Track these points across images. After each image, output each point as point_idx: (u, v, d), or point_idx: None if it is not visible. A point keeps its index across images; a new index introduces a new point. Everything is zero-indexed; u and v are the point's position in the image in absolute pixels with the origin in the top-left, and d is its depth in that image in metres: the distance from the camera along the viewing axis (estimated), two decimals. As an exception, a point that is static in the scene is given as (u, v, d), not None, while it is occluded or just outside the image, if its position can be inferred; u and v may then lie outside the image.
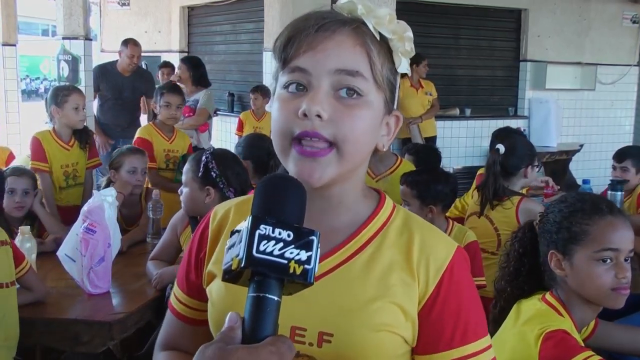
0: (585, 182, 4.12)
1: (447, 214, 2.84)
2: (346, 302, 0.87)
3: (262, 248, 0.66)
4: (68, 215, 3.20)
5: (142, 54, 5.63)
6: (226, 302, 0.90)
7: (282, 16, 6.20)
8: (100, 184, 3.65)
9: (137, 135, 3.99)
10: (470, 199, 3.21)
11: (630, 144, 7.07)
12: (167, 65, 6.80)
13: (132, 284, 2.59)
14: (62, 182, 3.60)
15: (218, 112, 6.55)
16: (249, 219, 0.68)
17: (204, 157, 2.47)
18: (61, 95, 3.51)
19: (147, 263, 2.67)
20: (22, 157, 4.73)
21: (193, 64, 5.45)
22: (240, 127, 5.90)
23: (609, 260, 1.51)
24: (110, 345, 2.27)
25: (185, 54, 8.03)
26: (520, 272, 1.69)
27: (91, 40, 5.66)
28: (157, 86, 5.98)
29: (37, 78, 22.19)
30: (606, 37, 8.16)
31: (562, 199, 1.66)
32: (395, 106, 0.94)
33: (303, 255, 0.67)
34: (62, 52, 5.43)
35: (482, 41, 7.65)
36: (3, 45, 7.71)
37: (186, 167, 2.53)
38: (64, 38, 5.40)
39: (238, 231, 0.69)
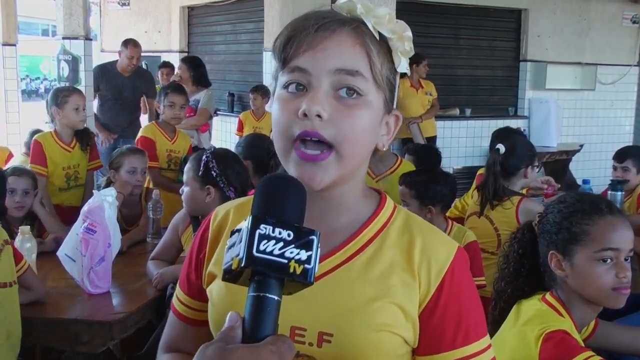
0: (585, 182, 4.12)
1: (447, 214, 2.84)
2: (346, 302, 0.87)
3: (262, 248, 0.66)
4: (68, 216, 3.20)
5: (142, 54, 5.62)
6: (226, 302, 0.90)
7: (282, 16, 6.20)
8: (100, 184, 3.66)
9: (140, 134, 3.98)
10: (470, 199, 3.21)
11: (630, 144, 7.07)
12: (167, 65, 6.80)
13: (132, 283, 2.59)
14: (63, 183, 3.60)
15: (218, 112, 6.55)
16: (249, 218, 0.68)
17: (204, 157, 2.48)
18: (61, 96, 3.52)
19: (147, 263, 2.67)
20: (18, 157, 4.73)
21: (193, 64, 5.45)
22: (240, 127, 5.91)
23: (609, 260, 1.51)
24: (111, 345, 2.28)
25: (185, 54, 8.03)
26: (520, 272, 1.69)
27: (91, 40, 5.66)
28: (157, 86, 6.02)
29: (37, 78, 22.19)
30: (606, 37, 8.16)
31: (561, 200, 1.66)
32: (394, 106, 0.94)
33: (303, 254, 0.67)
34: (62, 52, 5.43)
35: (482, 41, 7.66)
36: (3, 45, 7.72)
37: (187, 167, 2.54)
38: (64, 38, 5.40)
39: (238, 231, 0.69)
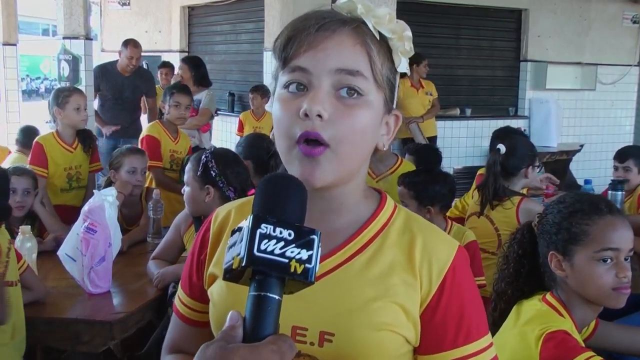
0: (587, 182, 4.11)
1: (448, 214, 2.84)
2: (347, 302, 0.87)
3: (263, 247, 0.66)
4: (69, 215, 3.20)
5: (143, 54, 5.62)
6: (227, 302, 0.91)
7: (283, 16, 6.21)
8: (100, 184, 3.66)
9: (145, 132, 3.98)
10: (470, 199, 3.21)
11: (631, 144, 7.07)
12: (167, 65, 6.80)
13: (133, 283, 2.59)
14: (64, 184, 3.60)
15: (218, 112, 6.55)
16: (250, 217, 0.68)
17: (203, 157, 2.48)
18: (62, 96, 3.53)
19: (148, 262, 2.67)
20: (14, 156, 4.73)
21: (194, 64, 5.45)
22: (241, 127, 5.92)
23: (609, 260, 1.51)
24: (111, 344, 2.27)
25: (186, 54, 8.03)
26: (520, 273, 1.69)
27: (91, 40, 5.67)
28: (157, 86, 6.02)
29: (38, 78, 22.20)
30: (606, 37, 8.16)
31: (560, 200, 1.65)
32: (394, 105, 0.94)
33: (304, 254, 0.67)
34: (62, 52, 5.43)
35: (483, 41, 7.66)
36: (3, 44, 7.72)
37: (187, 167, 2.54)
38: (64, 38, 5.40)
39: (239, 230, 0.69)
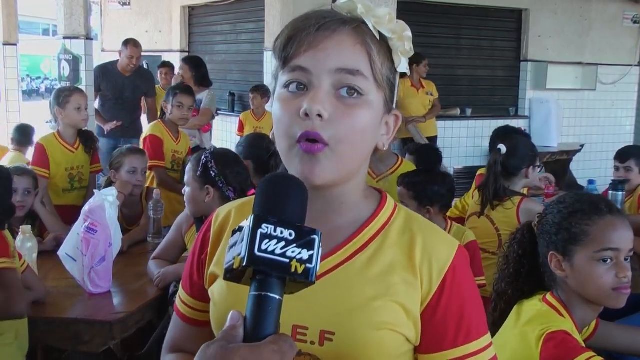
0: (591, 182, 4.09)
1: (448, 214, 2.84)
2: (347, 301, 0.87)
3: (264, 247, 0.66)
4: (71, 215, 3.21)
5: (143, 54, 5.62)
6: (228, 302, 0.91)
7: (283, 16, 6.21)
8: (100, 184, 3.66)
9: (149, 132, 3.98)
10: (470, 199, 3.21)
11: (631, 144, 7.08)
12: (166, 65, 6.79)
13: (133, 283, 2.59)
14: (66, 184, 3.60)
15: (219, 112, 6.56)
16: (251, 218, 0.68)
17: (203, 157, 2.48)
18: (63, 96, 3.53)
19: (148, 262, 2.67)
20: (11, 155, 4.74)
21: (195, 64, 5.46)
22: (241, 127, 5.92)
23: (609, 260, 1.51)
24: (111, 344, 2.28)
25: (186, 54, 8.03)
26: (520, 273, 1.69)
27: (92, 39, 5.67)
28: (157, 86, 6.02)
29: (38, 78, 22.20)
30: (607, 38, 8.16)
31: (560, 200, 1.65)
32: (394, 105, 0.94)
33: (305, 254, 0.68)
34: (62, 52, 5.44)
35: (483, 41, 7.66)
36: (4, 44, 7.73)
37: (188, 167, 2.54)
38: (64, 37, 5.41)
39: (240, 230, 0.69)
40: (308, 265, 0.67)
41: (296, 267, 0.67)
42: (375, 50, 0.87)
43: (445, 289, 0.89)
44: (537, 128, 7.66)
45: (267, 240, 0.67)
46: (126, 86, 5.44)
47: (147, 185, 3.56)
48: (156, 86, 5.98)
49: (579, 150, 7.64)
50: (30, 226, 2.61)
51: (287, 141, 0.87)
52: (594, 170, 7.71)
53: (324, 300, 0.87)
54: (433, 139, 6.51)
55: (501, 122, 6.58)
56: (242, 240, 0.67)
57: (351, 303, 0.87)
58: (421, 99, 6.37)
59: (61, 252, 2.41)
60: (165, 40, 8.61)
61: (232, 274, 0.69)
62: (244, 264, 0.66)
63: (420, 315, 0.89)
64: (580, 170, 7.58)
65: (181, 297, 1.05)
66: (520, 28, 7.79)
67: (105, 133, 5.31)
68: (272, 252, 0.66)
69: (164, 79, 6.50)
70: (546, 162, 6.69)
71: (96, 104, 5.48)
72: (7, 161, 4.53)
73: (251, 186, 2.55)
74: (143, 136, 4.09)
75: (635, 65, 8.46)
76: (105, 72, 5.47)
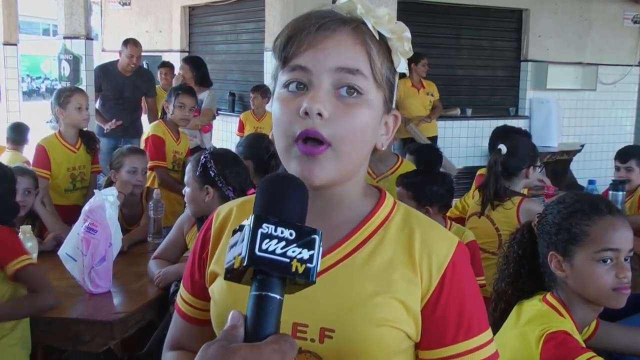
0: (591, 182, 4.09)
1: (448, 214, 2.84)
2: (347, 298, 0.87)
3: (264, 247, 0.66)
4: (73, 215, 3.21)
5: (143, 54, 5.63)
6: (227, 301, 0.91)
7: (283, 16, 6.21)
8: (101, 184, 3.66)
9: (151, 132, 3.98)
10: (470, 200, 3.21)
11: (631, 144, 7.07)
12: (166, 65, 6.79)
13: (133, 283, 2.59)
14: (68, 184, 3.60)
15: (219, 112, 6.56)
16: (252, 217, 0.68)
17: (202, 157, 2.49)
18: (63, 96, 3.54)
19: (149, 262, 2.67)
20: (8, 155, 4.74)
21: (195, 64, 5.46)
22: (241, 127, 5.91)
23: (609, 261, 1.51)
24: (112, 344, 2.28)
25: (186, 54, 8.03)
26: (520, 273, 1.69)
27: (92, 39, 5.68)
28: (157, 86, 6.02)
29: (38, 77, 22.22)
30: (607, 38, 8.16)
31: (560, 200, 1.65)
32: (393, 106, 0.94)
33: (305, 253, 0.68)
34: (63, 52, 5.44)
35: (483, 41, 7.66)
36: (4, 44, 7.73)
37: (188, 167, 2.54)
38: (65, 37, 5.41)
39: (240, 230, 0.69)
40: (308, 265, 0.67)
41: (297, 267, 0.67)
42: (374, 50, 0.88)
43: (445, 285, 0.89)
44: (537, 128, 7.66)
45: (267, 240, 0.67)
46: (126, 86, 5.44)
47: (147, 185, 3.56)
48: (156, 86, 5.98)
49: (579, 150, 7.64)
50: (30, 226, 2.61)
51: (285, 140, 0.87)
52: (594, 170, 7.71)
53: (324, 297, 0.87)
54: (433, 139, 6.51)
55: (501, 122, 6.57)
56: (243, 240, 0.67)
57: (351, 300, 0.87)
58: (421, 99, 6.36)
59: (61, 252, 2.41)
60: (166, 40, 8.61)
61: (233, 274, 0.69)
62: (245, 264, 0.66)
63: (420, 311, 0.89)
64: (581, 170, 7.58)
65: (182, 296, 1.05)
66: (521, 28, 7.79)
67: (105, 132, 5.31)
68: (273, 252, 0.66)
69: (164, 79, 6.50)
70: (546, 162, 6.69)
71: (97, 104, 5.48)
72: (5, 161, 4.52)
73: (251, 186, 2.55)
74: (144, 136, 4.09)
75: (636, 65, 8.46)
76: (106, 72, 5.47)
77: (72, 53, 5.40)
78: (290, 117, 0.86)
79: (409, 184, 2.64)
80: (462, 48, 7.58)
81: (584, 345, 1.47)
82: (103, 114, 5.47)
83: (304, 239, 0.68)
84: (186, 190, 2.51)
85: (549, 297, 1.58)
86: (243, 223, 0.69)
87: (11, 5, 7.75)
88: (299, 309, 0.85)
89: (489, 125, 7.05)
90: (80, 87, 4.92)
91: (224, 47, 8.09)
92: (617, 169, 3.69)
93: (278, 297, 0.67)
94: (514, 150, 2.99)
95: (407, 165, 3.16)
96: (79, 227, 2.37)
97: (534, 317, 1.53)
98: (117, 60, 5.48)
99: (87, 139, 3.68)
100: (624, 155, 3.68)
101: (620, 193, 3.42)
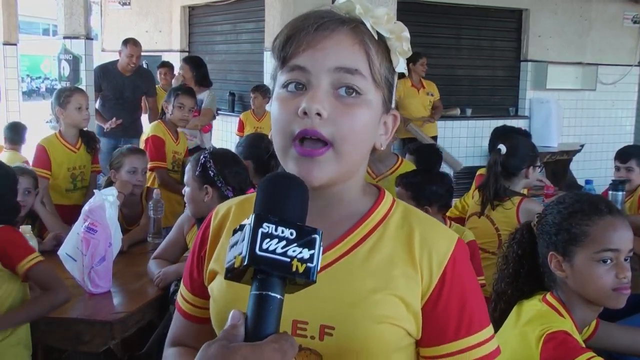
0: (588, 182, 4.10)
1: (448, 214, 2.84)
2: (347, 295, 0.87)
3: (265, 246, 0.66)
4: (70, 215, 3.21)
5: (143, 54, 5.63)
6: (227, 299, 0.91)
7: (283, 16, 6.21)
8: (100, 184, 3.66)
9: (151, 132, 3.98)
10: (470, 200, 3.21)
11: (631, 144, 7.07)
12: (166, 65, 6.79)
13: (133, 283, 2.59)
14: (69, 184, 3.60)
15: (219, 112, 6.56)
16: (252, 217, 0.68)
17: (202, 157, 2.49)
18: (63, 96, 3.54)
19: (149, 262, 2.67)
20: (7, 155, 4.74)
21: (195, 64, 5.46)
22: (241, 127, 5.91)
23: (609, 261, 1.51)
24: (111, 344, 2.28)
25: (186, 54, 8.03)
26: (520, 273, 1.68)
27: (92, 39, 5.68)
28: (157, 86, 6.02)
29: (38, 77, 22.21)
30: (607, 38, 8.16)
31: (559, 200, 1.65)
32: (392, 105, 0.94)
33: (305, 253, 0.68)
34: (63, 52, 5.44)
35: (483, 41, 7.66)
36: (4, 44, 7.73)
37: (187, 167, 2.55)
38: (64, 37, 5.41)
39: (240, 229, 0.70)
40: (309, 264, 0.67)
41: (297, 267, 0.67)
42: (373, 50, 0.88)
43: (445, 281, 0.89)
44: (537, 128, 7.65)
45: (268, 240, 0.67)
46: (126, 86, 5.45)
47: (147, 185, 3.56)
48: (156, 86, 5.98)
49: (579, 151, 7.64)
50: (30, 226, 2.61)
51: (283, 140, 0.87)
52: (594, 170, 7.71)
53: (324, 294, 0.87)
54: (433, 139, 6.50)
55: (501, 122, 6.56)
56: (243, 240, 0.67)
57: (351, 296, 0.87)
58: (421, 99, 6.35)
59: (61, 252, 2.41)
60: (165, 40, 8.61)
61: (233, 273, 0.69)
62: (245, 263, 0.66)
63: (421, 308, 0.89)
64: (580, 170, 7.58)
65: (182, 294, 1.05)
66: (520, 28, 7.79)
67: (105, 132, 5.31)
68: (273, 252, 0.66)
69: (164, 79, 6.50)
70: (546, 162, 6.69)
71: (97, 104, 5.48)
72: (3, 161, 4.52)
73: (250, 186, 2.55)
74: (144, 137, 4.09)
75: (636, 65, 8.46)
76: (106, 72, 5.47)
77: (72, 53, 5.40)
78: (289, 117, 0.86)
79: (408, 184, 2.65)
80: (462, 48, 7.57)
81: (583, 345, 1.47)
82: (103, 114, 5.47)
83: (305, 238, 0.68)
84: (186, 190, 2.51)
85: (548, 297, 1.58)
86: (243, 222, 0.69)
87: (11, 5, 7.75)
88: (298, 306, 0.85)
89: (488, 125, 7.05)
90: (80, 87, 4.92)
91: (224, 47, 8.09)
92: (617, 169, 3.69)
93: (278, 296, 0.67)
94: (513, 150, 2.99)
95: (407, 165, 3.16)
96: (78, 227, 2.37)
97: (534, 317, 1.53)
98: (117, 60, 5.48)
99: (88, 139, 3.69)
100: (624, 155, 3.68)
101: (620, 193, 3.42)
